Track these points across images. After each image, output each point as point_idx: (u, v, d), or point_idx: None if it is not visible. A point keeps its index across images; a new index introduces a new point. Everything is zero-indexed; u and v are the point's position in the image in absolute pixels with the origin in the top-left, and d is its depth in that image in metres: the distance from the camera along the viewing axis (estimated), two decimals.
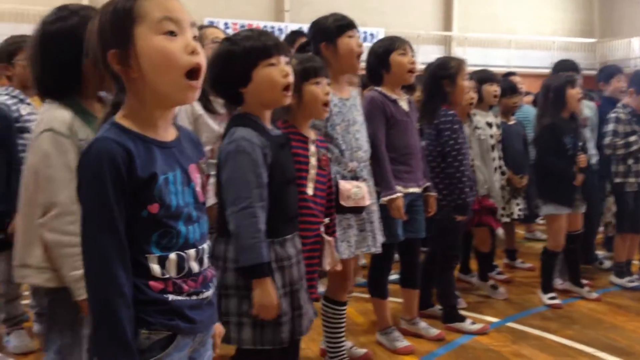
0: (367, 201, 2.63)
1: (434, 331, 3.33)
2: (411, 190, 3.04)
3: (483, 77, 4.09)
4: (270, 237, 1.91)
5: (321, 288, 2.77)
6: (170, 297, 1.26)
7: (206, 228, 1.36)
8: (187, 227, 1.29)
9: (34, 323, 3.31)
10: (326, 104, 2.31)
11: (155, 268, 1.24)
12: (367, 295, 3.38)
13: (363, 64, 2.89)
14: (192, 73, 1.23)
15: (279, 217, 1.95)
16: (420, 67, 3.18)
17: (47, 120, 1.76)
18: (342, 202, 2.52)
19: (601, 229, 4.99)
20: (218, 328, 1.48)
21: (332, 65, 2.63)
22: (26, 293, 3.28)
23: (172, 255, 1.27)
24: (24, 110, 3.02)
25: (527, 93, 5.93)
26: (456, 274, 4.01)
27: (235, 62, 1.93)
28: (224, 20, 15.51)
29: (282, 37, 3.19)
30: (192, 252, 1.30)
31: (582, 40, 18.77)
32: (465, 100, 3.64)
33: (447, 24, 18.12)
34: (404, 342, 3.13)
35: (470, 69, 3.63)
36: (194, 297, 1.30)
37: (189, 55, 1.23)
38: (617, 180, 4.31)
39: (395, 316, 3.40)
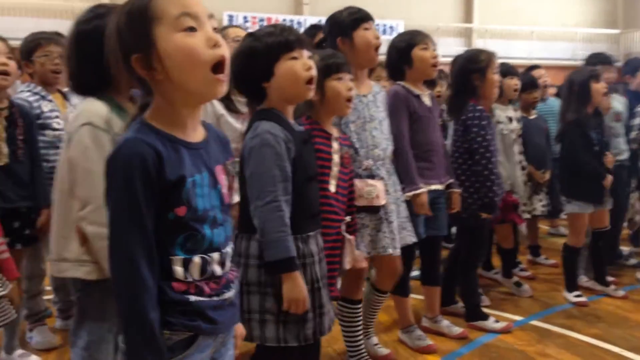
0: (382, 200, 2.58)
1: (457, 329, 3.29)
2: (433, 187, 2.99)
3: (503, 70, 3.99)
4: (293, 234, 1.88)
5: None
6: (192, 297, 1.24)
7: (230, 231, 1.35)
8: (212, 230, 1.28)
9: (56, 319, 3.34)
10: (349, 99, 2.27)
11: (179, 270, 1.23)
12: None
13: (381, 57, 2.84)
14: (217, 66, 1.21)
15: (301, 213, 1.93)
16: (440, 60, 3.11)
17: (85, 115, 1.79)
18: (354, 202, 2.48)
19: (625, 224, 4.89)
20: (239, 329, 1.48)
21: (350, 60, 2.58)
22: (48, 288, 3.30)
23: (196, 258, 1.25)
24: (45, 107, 3.03)
25: (552, 86, 5.82)
26: (478, 271, 3.95)
27: (258, 57, 1.91)
28: (243, 13, 15.52)
29: (302, 30, 3.15)
30: (215, 255, 1.29)
31: (606, 31, 18.45)
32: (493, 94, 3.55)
33: (468, 16, 17.91)
34: (426, 341, 3.10)
35: None
36: (215, 298, 1.29)
37: (212, 49, 1.21)
38: None
39: (417, 313, 3.36)
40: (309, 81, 1.91)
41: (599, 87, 3.75)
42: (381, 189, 2.58)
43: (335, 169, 2.23)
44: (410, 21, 15.75)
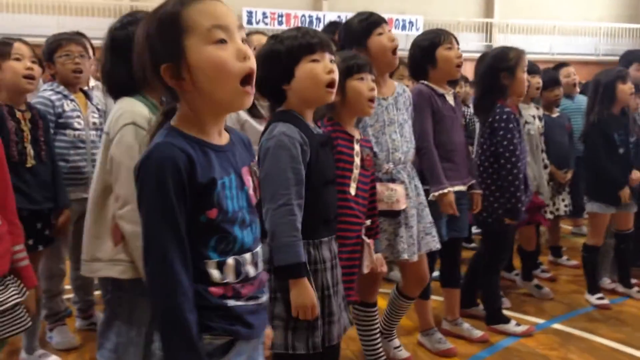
0: (403, 205, 2.54)
1: (478, 333, 3.24)
2: (456, 188, 2.93)
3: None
4: (305, 238, 1.85)
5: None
6: (230, 302, 1.26)
7: (258, 232, 1.37)
8: (242, 232, 1.29)
9: (76, 319, 3.35)
10: (372, 99, 2.24)
11: (215, 273, 1.25)
12: None
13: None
14: (246, 79, 1.22)
15: (315, 218, 1.90)
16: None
17: (129, 115, 1.84)
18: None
19: None
20: (267, 330, 1.48)
21: None
22: (68, 287, 3.31)
23: (230, 260, 1.27)
24: (67, 106, 3.04)
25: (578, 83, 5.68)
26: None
27: (279, 59, 1.89)
28: (262, 9, 15.50)
29: (321, 26, 3.11)
30: (247, 256, 1.31)
31: (629, 25, 18.15)
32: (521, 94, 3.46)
33: (489, 10, 17.72)
34: (446, 344, 3.06)
35: None
36: (252, 302, 1.31)
37: (242, 62, 1.21)
38: None
39: (437, 316, 3.33)
40: (330, 84, 1.88)
41: (625, 87, 3.67)
42: (402, 193, 2.54)
43: (356, 172, 2.20)
44: (430, 16, 15.66)
